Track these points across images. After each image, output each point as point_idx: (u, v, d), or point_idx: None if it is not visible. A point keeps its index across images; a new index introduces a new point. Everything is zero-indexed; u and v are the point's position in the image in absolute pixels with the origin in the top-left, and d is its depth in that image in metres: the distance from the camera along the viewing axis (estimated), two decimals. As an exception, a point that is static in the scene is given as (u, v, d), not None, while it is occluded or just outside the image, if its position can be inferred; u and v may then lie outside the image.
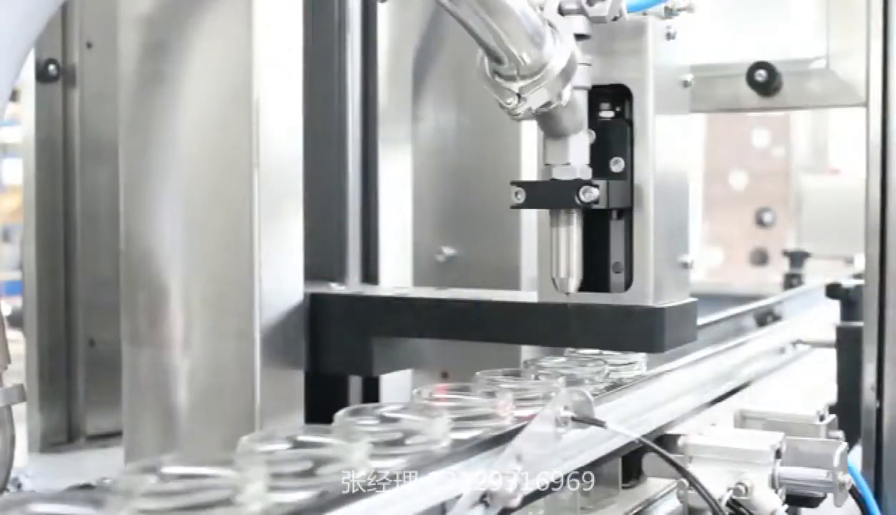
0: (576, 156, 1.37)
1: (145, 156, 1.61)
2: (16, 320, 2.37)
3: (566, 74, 1.29)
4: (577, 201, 1.34)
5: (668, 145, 1.43)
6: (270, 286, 1.55)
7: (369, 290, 1.79)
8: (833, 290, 2.18)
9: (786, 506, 1.28)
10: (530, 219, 1.86)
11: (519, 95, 1.28)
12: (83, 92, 2.22)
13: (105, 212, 2.20)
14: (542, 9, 1.31)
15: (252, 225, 1.53)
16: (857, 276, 2.47)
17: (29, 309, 2.20)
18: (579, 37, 1.34)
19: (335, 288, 1.78)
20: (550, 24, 1.30)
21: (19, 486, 1.76)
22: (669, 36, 1.42)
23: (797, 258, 3.85)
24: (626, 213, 1.42)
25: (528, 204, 1.39)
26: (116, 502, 0.76)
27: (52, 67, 2.20)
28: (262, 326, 1.54)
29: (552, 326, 1.46)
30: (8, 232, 7.37)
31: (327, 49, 1.85)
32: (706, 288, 4.01)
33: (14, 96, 2.20)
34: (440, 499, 0.96)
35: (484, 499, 1.00)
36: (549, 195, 1.38)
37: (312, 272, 1.69)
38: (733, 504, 1.26)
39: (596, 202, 1.34)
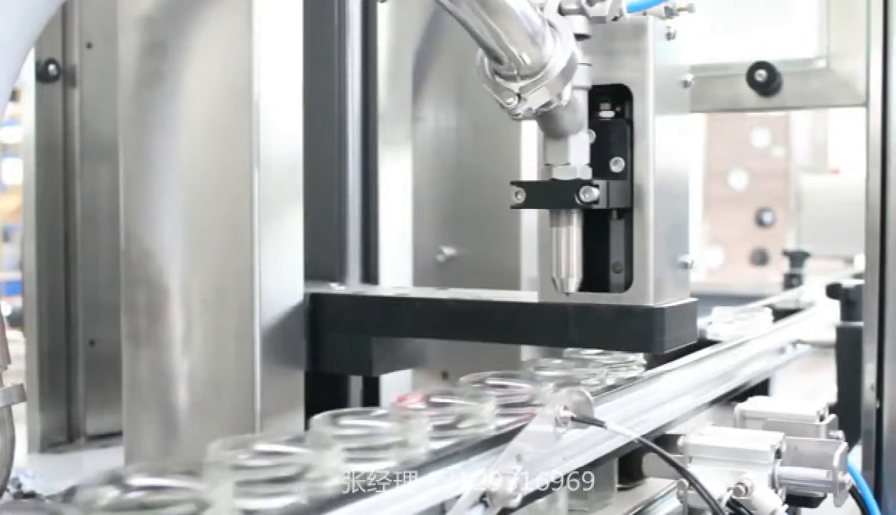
0: (576, 156, 1.37)
1: (145, 156, 1.61)
2: (16, 320, 2.37)
3: (566, 74, 1.29)
4: (578, 201, 1.34)
5: (668, 145, 1.43)
6: (270, 286, 1.55)
7: (369, 290, 1.79)
8: (833, 290, 2.18)
9: (786, 506, 1.28)
10: (530, 219, 1.86)
11: (519, 95, 1.28)
12: (83, 92, 2.22)
13: (105, 212, 2.20)
14: (542, 9, 1.31)
15: (252, 225, 1.53)
16: (858, 276, 2.47)
17: (29, 309, 2.20)
18: (579, 37, 1.34)
19: (335, 288, 1.78)
20: (550, 24, 1.30)
21: (19, 486, 1.76)
22: (669, 36, 1.42)
23: (797, 258, 3.85)
24: (626, 213, 1.42)
25: (528, 204, 1.39)
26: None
27: (52, 67, 2.20)
28: (262, 326, 1.54)
29: (552, 326, 1.46)
30: (8, 232, 7.38)
31: (327, 49, 1.85)
32: (706, 288, 4.01)
33: (14, 96, 2.20)
34: (440, 499, 0.96)
35: (484, 499, 1.00)
36: (550, 195, 1.38)
37: (312, 272, 1.69)
38: (733, 504, 1.26)
39: (596, 202, 1.34)
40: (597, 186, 1.33)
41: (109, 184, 2.13)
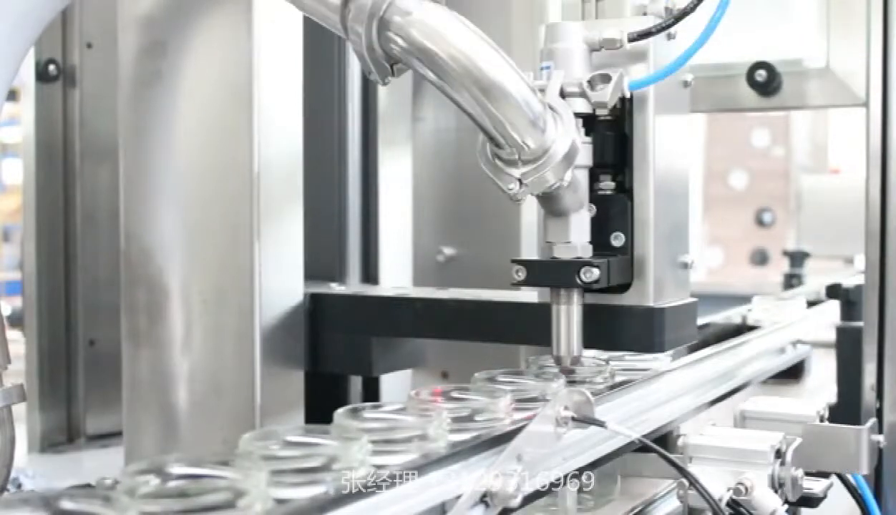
0: (576, 234, 1.36)
1: (145, 156, 1.61)
2: (16, 320, 2.37)
3: (568, 159, 1.28)
4: (578, 281, 1.33)
5: (668, 146, 1.43)
6: (270, 286, 1.55)
7: (369, 290, 1.79)
8: (833, 290, 2.18)
9: (786, 506, 1.28)
10: (530, 218, 1.86)
11: (521, 181, 1.27)
12: (83, 92, 2.22)
13: (105, 212, 2.20)
14: (542, 92, 1.29)
15: (252, 225, 1.53)
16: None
17: (29, 309, 2.20)
18: (580, 115, 1.33)
19: (335, 288, 1.78)
20: (552, 108, 1.29)
21: (19, 486, 1.75)
22: (669, 36, 1.42)
23: (797, 258, 3.85)
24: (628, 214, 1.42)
25: (528, 282, 1.38)
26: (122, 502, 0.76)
27: (52, 67, 2.20)
28: (262, 326, 1.54)
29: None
30: (8, 232, 7.38)
31: (327, 49, 1.85)
32: (706, 288, 4.01)
33: (14, 96, 2.21)
34: (440, 499, 0.96)
35: (484, 499, 1.00)
36: (550, 274, 1.36)
37: (312, 272, 1.69)
38: (733, 504, 1.26)
39: (597, 281, 1.33)
40: (597, 267, 1.33)
41: (109, 184, 2.13)
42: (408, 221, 1.95)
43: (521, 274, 1.37)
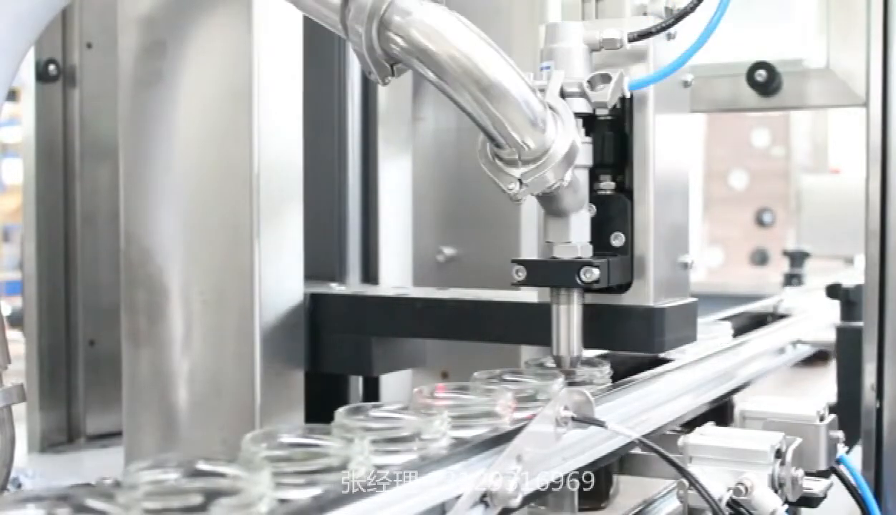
0: (576, 234, 1.36)
1: (145, 157, 1.61)
2: (16, 320, 2.37)
3: (568, 159, 1.28)
4: (578, 281, 1.33)
5: (668, 146, 1.43)
6: (270, 286, 1.55)
7: (369, 290, 1.79)
8: (833, 290, 2.18)
9: (786, 506, 1.28)
10: (530, 218, 1.86)
11: (520, 181, 1.28)
12: (83, 92, 2.22)
13: (105, 212, 2.20)
14: (542, 92, 1.29)
15: (252, 225, 1.53)
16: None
17: (29, 309, 2.20)
18: (580, 115, 1.33)
19: (335, 288, 1.78)
20: (552, 108, 1.29)
21: (19, 486, 1.75)
22: (669, 36, 1.42)
23: (797, 258, 3.85)
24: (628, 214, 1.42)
25: (528, 282, 1.38)
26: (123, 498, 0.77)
27: (52, 67, 2.20)
28: (262, 326, 1.54)
29: (552, 326, 1.46)
30: (8, 232, 7.38)
31: (327, 49, 1.85)
32: (706, 288, 4.02)
33: (14, 96, 2.21)
34: (440, 499, 0.96)
35: (484, 499, 1.00)
36: (550, 274, 1.37)
37: (312, 272, 1.69)
38: (733, 504, 1.26)
39: (597, 281, 1.33)
40: (597, 267, 1.33)
41: (109, 184, 2.13)
42: (408, 221, 1.95)
43: (521, 275, 1.37)
